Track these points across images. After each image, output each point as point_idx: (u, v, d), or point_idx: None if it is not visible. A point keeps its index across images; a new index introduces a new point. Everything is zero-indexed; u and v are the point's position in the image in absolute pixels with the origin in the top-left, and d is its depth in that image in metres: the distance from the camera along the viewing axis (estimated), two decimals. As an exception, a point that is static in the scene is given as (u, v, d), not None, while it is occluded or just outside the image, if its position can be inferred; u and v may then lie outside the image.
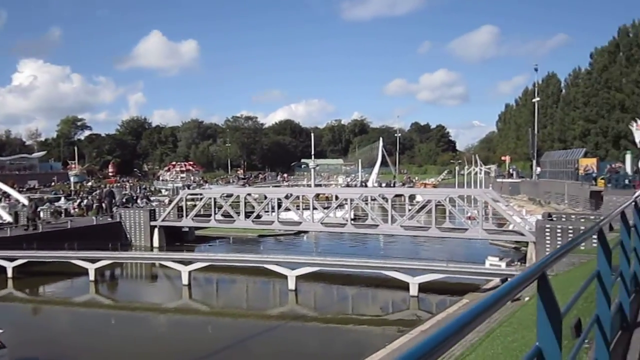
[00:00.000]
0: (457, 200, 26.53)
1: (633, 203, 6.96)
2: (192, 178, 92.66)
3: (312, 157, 62.14)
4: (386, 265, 19.64)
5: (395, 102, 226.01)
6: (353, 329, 17.47)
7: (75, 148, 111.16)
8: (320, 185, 75.40)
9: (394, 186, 67.49)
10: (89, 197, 46.85)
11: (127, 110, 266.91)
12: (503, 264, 19.89)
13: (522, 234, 23.14)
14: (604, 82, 60.30)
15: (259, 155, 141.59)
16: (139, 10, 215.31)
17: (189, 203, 35.54)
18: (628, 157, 32.62)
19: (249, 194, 33.56)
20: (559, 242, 19.84)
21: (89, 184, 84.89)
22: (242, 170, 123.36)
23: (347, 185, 74.10)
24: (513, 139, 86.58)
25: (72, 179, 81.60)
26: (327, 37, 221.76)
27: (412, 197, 37.43)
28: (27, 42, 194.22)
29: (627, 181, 29.46)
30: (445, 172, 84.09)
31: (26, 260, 23.79)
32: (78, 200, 46.02)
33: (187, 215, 31.96)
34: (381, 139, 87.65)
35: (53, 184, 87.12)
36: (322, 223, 28.14)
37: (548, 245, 20.19)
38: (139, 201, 49.48)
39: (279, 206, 30.00)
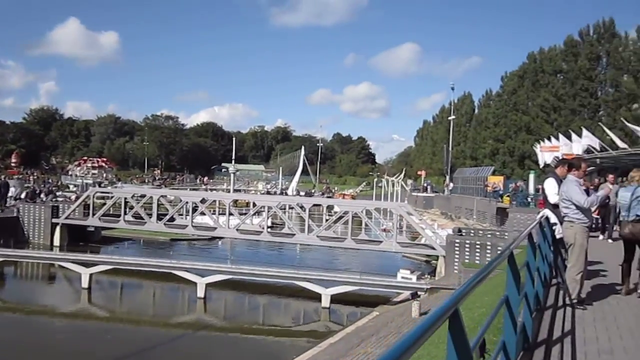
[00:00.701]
0: (373, 213, 26.85)
1: (538, 224, 7.17)
2: (104, 175, 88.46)
3: (233, 161, 61.34)
4: (299, 276, 19.38)
5: (318, 112, 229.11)
6: (263, 340, 17.01)
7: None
8: (239, 191, 74.42)
9: (312, 195, 67.77)
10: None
11: (38, 99, 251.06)
12: (414, 277, 20.27)
13: (433, 248, 23.73)
14: (512, 104, 64.16)
15: (178, 156, 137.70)
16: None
17: (98, 201, 33.61)
18: (531, 177, 34.61)
19: (163, 196, 32.24)
20: (467, 257, 20.51)
21: (-4, 174, 78.75)
22: (159, 171, 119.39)
23: (267, 192, 73.60)
24: (429, 154, 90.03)
25: (-33, 167, 75.29)
26: (254, 41, 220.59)
27: (330, 208, 37.63)
28: None
29: (529, 199, 31.22)
30: (364, 183, 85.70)
31: None
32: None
33: (94, 214, 30.17)
34: (303, 147, 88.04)
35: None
36: (237, 230, 27.49)
37: (457, 260, 20.80)
38: (42, 196, 46.27)
39: (194, 210, 29.02)
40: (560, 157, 20.60)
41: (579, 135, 33.25)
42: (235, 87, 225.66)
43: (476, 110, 78.90)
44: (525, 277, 5.53)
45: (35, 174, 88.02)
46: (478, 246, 20.56)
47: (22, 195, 40.23)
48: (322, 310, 18.89)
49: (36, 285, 23.98)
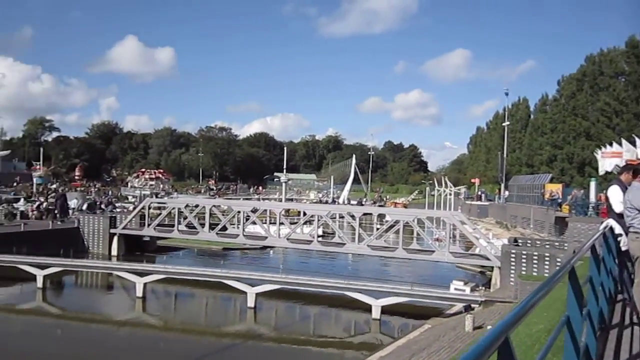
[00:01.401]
0: (425, 222, 26.25)
1: (601, 235, 6.64)
2: (161, 186, 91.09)
3: (284, 170, 61.73)
4: (349, 286, 19.08)
5: (369, 120, 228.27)
6: (313, 351, 16.81)
7: (41, 149, 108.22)
8: (291, 200, 74.89)
9: (362, 204, 67.28)
10: (43, 200, 45.10)
11: (99, 114, 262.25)
12: (468, 289, 19.56)
13: (487, 258, 22.91)
14: (570, 109, 61.57)
15: (232, 167, 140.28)
16: (115, 14, 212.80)
17: (154, 212, 34.53)
18: (592, 184, 32.90)
19: (215, 205, 32.69)
20: (524, 268, 19.61)
21: (53, 186, 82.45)
22: (213, 181, 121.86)
23: (319, 201, 73.71)
24: (483, 161, 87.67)
25: (35, 180, 79.22)
26: (304, 51, 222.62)
27: (381, 216, 37.15)
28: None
29: (590, 208, 29.62)
30: (416, 192, 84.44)
31: (-30, 264, 22.53)
32: (37, 203, 44.39)
33: (149, 225, 30.94)
34: (354, 156, 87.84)
35: (15, 184, 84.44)
36: (288, 239, 27.51)
37: (513, 271, 19.93)
38: (102, 207, 48.04)
39: (246, 219, 29.27)
40: (624, 163, 19.42)
41: (644, 140, 31.39)
42: (286, 97, 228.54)
43: (532, 116, 76.33)
44: (588, 293, 5.09)
45: (97, 186, 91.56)
46: (535, 257, 19.64)
47: (84, 207, 41.91)
48: (373, 321, 18.52)
49: (94, 294, 24.73)
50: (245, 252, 33.90)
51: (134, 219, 32.13)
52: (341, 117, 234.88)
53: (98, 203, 50.06)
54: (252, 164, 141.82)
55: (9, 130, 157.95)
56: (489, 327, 13.36)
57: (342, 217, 30.82)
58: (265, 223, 30.17)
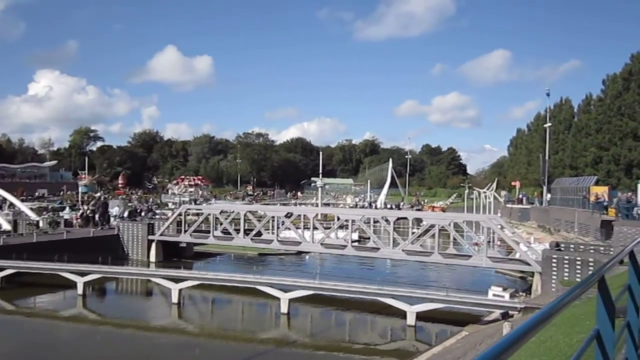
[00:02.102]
0: (463, 226, 25.60)
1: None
2: (199, 193, 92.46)
3: (320, 175, 61.67)
4: (383, 292, 18.74)
5: (406, 124, 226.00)
6: (347, 358, 16.54)
7: (87, 158, 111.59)
8: (328, 205, 74.77)
9: (400, 208, 66.51)
10: (85, 208, 46.28)
11: (141, 123, 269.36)
12: (507, 295, 18.92)
13: (527, 264, 22.16)
14: (616, 109, 59.30)
15: (269, 172, 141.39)
16: (155, 25, 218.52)
17: (191, 218, 34.97)
18: (640, 187, 31.51)
19: (250, 211, 32.83)
20: (566, 274, 18.87)
21: (98, 194, 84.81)
22: (251, 187, 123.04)
23: (356, 206, 73.34)
24: (524, 164, 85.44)
25: (80, 189, 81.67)
26: (340, 56, 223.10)
27: (418, 221, 36.56)
28: (45, 52, 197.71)
29: (638, 211, 28.29)
30: (455, 195, 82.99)
31: (14, 271, 23.27)
32: (80, 211, 45.62)
33: (185, 231, 31.32)
34: (391, 159, 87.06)
35: (62, 193, 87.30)
36: (322, 244, 27.35)
37: (554, 277, 19.21)
38: (143, 214, 48.97)
39: (280, 225, 29.27)
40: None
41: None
42: (323, 102, 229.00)
43: (575, 117, 73.95)
44: (628, 303, 4.71)
45: (138, 193, 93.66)
46: (579, 262, 18.86)
47: (125, 214, 42.82)
48: (408, 328, 18.14)
49: (132, 300, 25.15)
50: (281, 258, 33.93)
51: (171, 226, 32.59)
52: (378, 121, 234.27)
53: (139, 210, 51.04)
54: (289, 169, 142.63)
55: (57, 141, 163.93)
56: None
57: (376, 221, 30.42)
58: (300, 228, 30.05)
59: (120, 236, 32.59)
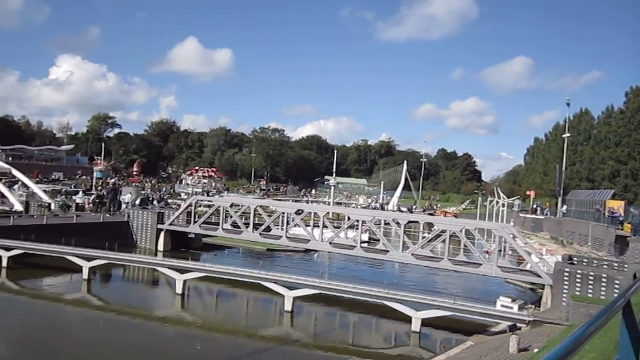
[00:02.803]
0: (474, 233, 25.22)
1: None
2: (213, 184, 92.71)
3: (334, 174, 61.46)
4: (389, 296, 18.45)
5: (423, 127, 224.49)
6: (348, 360, 16.31)
7: (103, 144, 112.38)
8: (340, 204, 74.51)
9: (412, 212, 66.04)
10: (97, 193, 46.53)
11: (159, 112, 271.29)
12: (515, 307, 18.51)
13: (538, 275, 21.72)
14: (637, 122, 58.24)
15: (283, 168, 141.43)
16: (177, 15, 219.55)
17: (202, 209, 34.95)
18: (659, 204, 30.84)
19: (261, 206, 32.68)
20: (578, 288, 18.41)
21: (112, 180, 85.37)
22: (265, 181, 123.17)
23: (368, 206, 72.99)
24: (540, 174, 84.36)
25: (95, 174, 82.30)
26: (360, 56, 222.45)
27: (430, 225, 36.20)
28: (67, 38, 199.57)
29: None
30: (468, 201, 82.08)
31: (22, 252, 23.39)
32: (93, 196, 45.87)
33: (195, 222, 31.27)
34: (406, 162, 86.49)
35: (77, 177, 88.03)
36: (330, 243, 27.13)
37: (565, 291, 18.75)
38: (155, 203, 49.14)
39: (289, 222, 29.08)
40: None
41: None
42: (341, 101, 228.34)
43: (595, 129, 72.80)
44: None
45: (152, 182, 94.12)
46: (591, 277, 18.40)
47: (137, 202, 43.00)
48: (413, 334, 17.83)
49: (137, 288, 25.14)
50: (290, 254, 33.73)
51: (181, 216, 32.58)
52: (395, 122, 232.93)
53: (151, 199, 51.27)
54: (303, 166, 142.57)
55: (75, 125, 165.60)
56: (535, 350, 12.51)
57: (387, 223, 30.09)
58: (310, 226, 29.84)
59: (130, 223, 32.66)
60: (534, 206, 61.20)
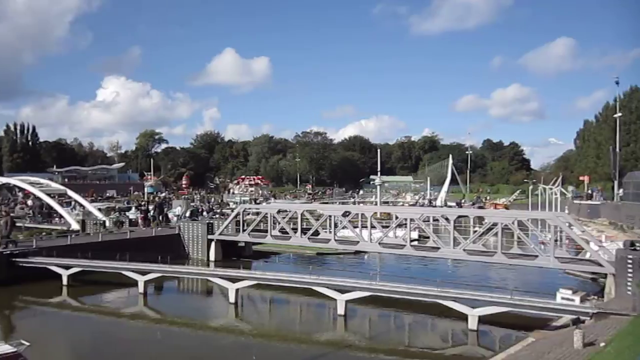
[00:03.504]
0: (527, 224, 24.38)
1: None
2: (260, 192, 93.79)
3: (378, 173, 61.06)
4: (443, 294, 18.03)
5: (466, 119, 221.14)
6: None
7: (152, 160, 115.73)
8: (387, 203, 73.94)
9: (461, 206, 64.72)
10: (143, 208, 47.72)
11: (202, 124, 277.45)
12: (577, 299, 17.72)
13: (599, 264, 20.79)
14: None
15: (328, 171, 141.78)
16: (213, 28, 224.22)
17: (250, 217, 35.31)
18: None
19: (308, 210, 32.71)
20: (644, 276, 17.49)
21: (162, 195, 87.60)
22: (310, 186, 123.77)
23: (416, 204, 72.16)
24: (592, 157, 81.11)
25: (147, 189, 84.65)
26: (396, 52, 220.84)
27: (481, 219, 35.38)
28: (111, 60, 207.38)
29: None
30: (518, 192, 79.81)
31: (80, 269, 24.25)
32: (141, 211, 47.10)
33: (244, 230, 31.60)
34: (451, 156, 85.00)
35: (129, 194, 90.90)
36: (380, 243, 26.84)
37: (630, 279, 17.85)
38: (204, 214, 50.05)
39: (336, 224, 28.98)
40: None
41: None
42: (380, 99, 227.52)
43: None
44: None
45: (201, 193, 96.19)
46: (657, 263, 17.45)
47: (187, 214, 43.92)
48: (470, 332, 17.36)
49: (192, 299, 25.51)
50: (340, 257, 33.62)
51: (230, 225, 32.99)
52: (437, 116, 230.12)
53: (200, 210, 52.22)
54: (348, 168, 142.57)
55: (124, 143, 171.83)
56: (602, 344, 11.92)
57: (436, 220, 29.52)
58: (357, 227, 29.64)
59: (181, 235, 33.34)
60: (590, 191, 58.97)
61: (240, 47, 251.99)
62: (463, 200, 76.45)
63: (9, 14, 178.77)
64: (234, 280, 21.27)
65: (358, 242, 27.97)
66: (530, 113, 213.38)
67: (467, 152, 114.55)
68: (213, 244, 32.18)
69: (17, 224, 38.10)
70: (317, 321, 20.46)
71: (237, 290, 21.09)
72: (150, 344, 17.55)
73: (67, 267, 24.38)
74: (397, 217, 28.19)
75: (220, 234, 32.33)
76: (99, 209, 43.53)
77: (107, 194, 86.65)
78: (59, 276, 24.40)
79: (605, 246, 23.07)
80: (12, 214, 43.59)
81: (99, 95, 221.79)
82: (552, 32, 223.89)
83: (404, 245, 26.08)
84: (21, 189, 54.10)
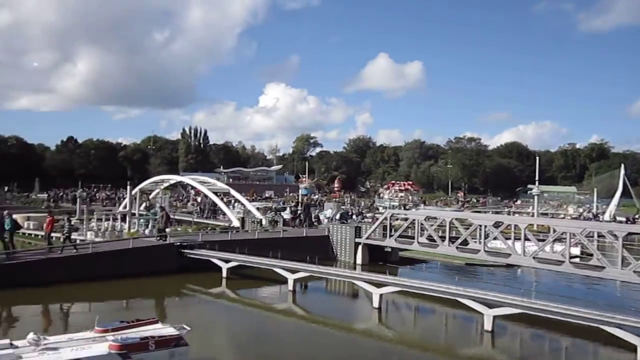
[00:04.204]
0: None
1: None
2: (409, 198, 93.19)
3: (536, 182, 57.28)
4: (606, 319, 16.24)
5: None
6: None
7: (307, 163, 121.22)
8: (546, 214, 68.96)
9: (634, 222, 57.82)
10: (293, 209, 49.98)
11: (355, 129, 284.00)
12: None
13: None
14: None
15: (481, 178, 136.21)
16: (367, 35, 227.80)
17: (398, 222, 35.26)
18: None
19: (456, 219, 31.68)
20: None
21: (316, 197, 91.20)
22: (462, 193, 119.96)
23: (579, 217, 66.18)
24: None
25: (301, 191, 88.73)
26: (561, 52, 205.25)
27: (656, 237, 31.35)
28: (272, 68, 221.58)
29: None
30: None
31: (238, 263, 26.25)
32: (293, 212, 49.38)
33: (391, 236, 31.58)
34: (623, 165, 76.49)
35: (285, 194, 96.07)
36: (534, 257, 25.05)
37: None
38: (354, 217, 51.11)
39: (487, 234, 27.66)
40: None
41: None
42: (541, 103, 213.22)
43: None
44: None
45: (351, 197, 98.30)
46: None
47: (337, 217, 45.27)
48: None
49: (338, 300, 26.15)
50: (490, 269, 32.04)
51: (377, 230, 33.20)
52: (607, 122, 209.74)
53: (350, 213, 53.41)
54: (502, 175, 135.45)
55: (282, 147, 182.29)
56: None
57: (601, 235, 26.72)
58: (510, 239, 27.96)
59: (330, 237, 34.36)
60: None
61: (394, 52, 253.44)
62: (636, 216, 68.24)
63: (187, 30, 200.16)
64: (378, 285, 21.37)
65: (510, 254, 26.39)
66: None
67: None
68: (360, 248, 32.66)
69: (186, 219, 42.51)
70: (462, 335, 19.71)
71: (380, 295, 21.14)
72: (298, 340, 18.36)
73: (227, 261, 26.54)
74: (555, 231, 26.08)
75: (367, 238, 32.69)
76: (257, 208, 46.59)
77: (266, 194, 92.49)
78: (220, 268, 26.63)
79: None
80: (184, 209, 48.94)
81: (261, 101, 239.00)
82: None
83: (563, 262, 24.01)
84: (193, 187, 60.15)
